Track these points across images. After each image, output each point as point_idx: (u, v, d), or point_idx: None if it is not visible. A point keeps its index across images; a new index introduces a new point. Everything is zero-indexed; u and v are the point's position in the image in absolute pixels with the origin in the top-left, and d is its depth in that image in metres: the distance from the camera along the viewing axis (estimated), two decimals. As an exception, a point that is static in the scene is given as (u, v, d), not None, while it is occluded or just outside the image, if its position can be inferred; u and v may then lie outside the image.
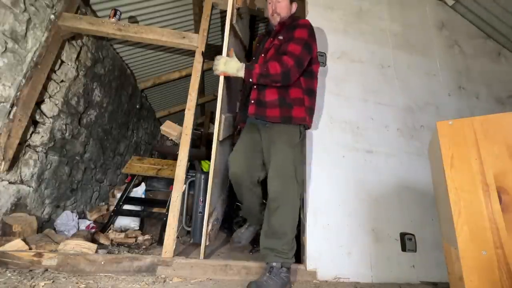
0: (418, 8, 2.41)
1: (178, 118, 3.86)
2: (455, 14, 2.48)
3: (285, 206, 1.40)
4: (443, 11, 2.46)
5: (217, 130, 1.57)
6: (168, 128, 3.03)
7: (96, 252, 1.62)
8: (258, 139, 1.61)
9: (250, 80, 1.47)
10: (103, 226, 2.46)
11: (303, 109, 1.52)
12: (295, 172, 1.45)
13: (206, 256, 1.54)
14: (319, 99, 1.94)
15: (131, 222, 2.64)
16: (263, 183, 1.60)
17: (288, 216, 1.41)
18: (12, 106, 1.70)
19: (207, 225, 1.60)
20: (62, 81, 2.20)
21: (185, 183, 1.81)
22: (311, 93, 1.60)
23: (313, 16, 2.14)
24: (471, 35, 2.47)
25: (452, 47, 2.37)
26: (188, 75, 3.80)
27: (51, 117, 2.09)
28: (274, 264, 1.36)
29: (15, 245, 1.48)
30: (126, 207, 2.65)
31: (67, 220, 2.16)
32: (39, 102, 1.96)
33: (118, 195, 2.83)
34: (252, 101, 1.56)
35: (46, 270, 1.34)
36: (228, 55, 1.50)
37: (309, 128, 1.63)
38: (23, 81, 1.76)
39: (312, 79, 1.62)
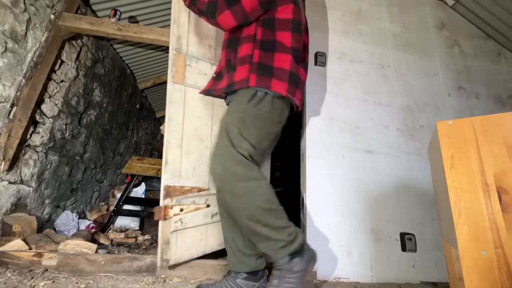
0: (418, 8, 2.41)
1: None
2: (455, 14, 2.48)
3: (233, 191, 1.08)
4: (443, 11, 2.46)
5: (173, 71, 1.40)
6: (168, 128, 3.03)
7: (96, 252, 1.62)
8: None
9: (185, 3, 1.38)
10: (103, 226, 2.46)
11: (247, 68, 1.17)
12: (238, 134, 1.11)
13: (206, 256, 1.53)
14: (319, 99, 1.94)
15: (131, 222, 2.64)
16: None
17: (246, 202, 1.07)
18: (12, 106, 1.70)
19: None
20: (62, 81, 2.20)
21: (185, 183, 1.81)
22: (271, 47, 1.19)
23: (312, 16, 2.14)
24: (471, 35, 2.47)
25: (452, 47, 2.37)
26: (188, 75, 3.80)
27: (51, 117, 2.10)
28: (280, 261, 1.09)
29: (15, 245, 1.48)
30: (126, 207, 2.65)
31: (67, 220, 2.16)
32: (39, 102, 1.96)
33: (118, 195, 2.83)
34: (214, 74, 1.36)
35: (46, 270, 1.34)
36: None
37: (278, 94, 1.17)
38: (23, 81, 1.76)
39: (274, 31, 1.21)
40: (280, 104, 1.20)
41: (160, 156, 4.28)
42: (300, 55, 1.30)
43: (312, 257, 1.16)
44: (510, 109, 2.22)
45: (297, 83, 1.24)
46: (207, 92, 1.37)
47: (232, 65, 1.24)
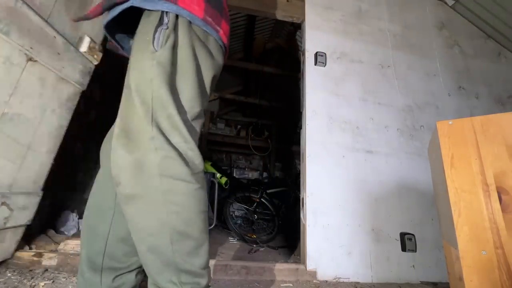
0: (418, 8, 2.41)
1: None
2: (455, 14, 2.48)
3: (141, 198, 0.67)
4: (443, 11, 2.46)
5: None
6: (168, 128, 3.03)
7: (96, 252, 1.62)
8: None
9: None
10: (103, 226, 2.45)
11: None
12: (150, 126, 0.67)
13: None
14: (319, 99, 1.94)
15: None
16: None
17: (148, 212, 0.67)
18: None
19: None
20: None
21: (185, 183, 1.81)
22: None
23: (312, 16, 2.15)
24: (471, 35, 2.47)
25: (452, 47, 2.37)
26: (188, 75, 3.80)
27: (51, 117, 2.09)
28: None
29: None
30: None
31: (67, 220, 2.16)
32: (39, 102, 1.95)
33: (118, 195, 2.83)
34: None
35: (46, 270, 1.34)
36: None
37: (186, 12, 0.74)
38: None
39: None
40: (211, 46, 0.80)
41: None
42: None
43: None
44: (510, 109, 2.22)
45: (220, 8, 0.85)
46: (84, 17, 0.83)
47: None
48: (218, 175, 3.36)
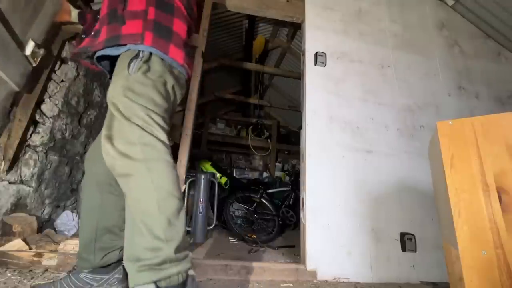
0: (418, 8, 2.41)
1: (178, 118, 3.87)
2: (455, 14, 2.48)
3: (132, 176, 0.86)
4: (443, 11, 2.46)
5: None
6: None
7: (96, 252, 1.62)
8: None
9: None
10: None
11: (140, 23, 1.02)
12: (128, 122, 0.89)
13: (206, 256, 1.54)
14: (319, 99, 1.94)
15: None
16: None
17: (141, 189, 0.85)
18: (12, 106, 1.70)
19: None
20: (62, 81, 2.19)
21: (185, 183, 1.81)
22: (170, 9, 1.10)
23: (312, 16, 2.15)
24: (471, 35, 2.47)
25: (452, 47, 2.37)
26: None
27: (51, 117, 2.09)
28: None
29: (15, 245, 1.48)
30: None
31: (67, 220, 2.16)
32: (39, 102, 1.96)
33: (118, 195, 2.83)
34: (93, 32, 1.11)
35: (46, 270, 1.34)
36: None
37: (165, 54, 1.02)
38: (23, 81, 1.76)
39: None
40: (171, 72, 1.05)
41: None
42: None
43: None
44: (510, 109, 2.22)
45: (190, 54, 1.16)
46: (82, 49, 1.09)
47: (119, 16, 1.03)
48: (218, 175, 3.36)
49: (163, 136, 0.93)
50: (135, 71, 0.95)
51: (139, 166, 0.85)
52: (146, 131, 0.89)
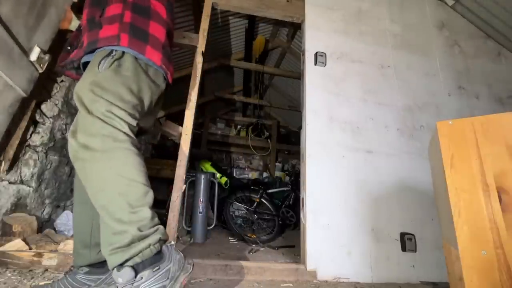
0: (418, 8, 2.41)
1: (178, 118, 3.87)
2: (455, 14, 2.48)
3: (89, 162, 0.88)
4: (443, 11, 2.46)
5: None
6: (168, 128, 3.03)
7: (96, 252, 1.62)
8: None
9: None
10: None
11: (116, 26, 1.05)
12: (90, 115, 0.90)
13: (206, 256, 1.54)
14: (319, 99, 1.94)
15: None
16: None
17: (102, 172, 0.88)
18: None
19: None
20: (62, 81, 2.20)
21: (185, 183, 1.81)
22: (146, 13, 1.14)
23: (312, 16, 2.15)
24: (471, 35, 2.47)
25: (452, 47, 2.37)
26: (188, 75, 3.81)
27: (51, 117, 2.09)
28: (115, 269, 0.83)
29: (15, 245, 1.48)
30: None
31: (67, 220, 2.15)
32: (39, 102, 1.96)
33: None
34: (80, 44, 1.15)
35: (46, 270, 1.34)
36: None
37: (140, 54, 1.05)
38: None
39: None
40: (145, 71, 1.07)
41: (159, 156, 4.28)
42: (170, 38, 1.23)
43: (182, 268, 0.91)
44: (510, 109, 2.22)
45: (170, 58, 1.17)
46: (68, 62, 1.16)
47: (97, 22, 1.07)
48: (218, 175, 3.36)
49: (126, 128, 0.94)
50: (105, 68, 0.97)
51: (98, 156, 0.87)
52: (107, 123, 0.90)
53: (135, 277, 0.81)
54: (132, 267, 0.82)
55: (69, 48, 1.29)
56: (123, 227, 0.84)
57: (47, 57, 1.52)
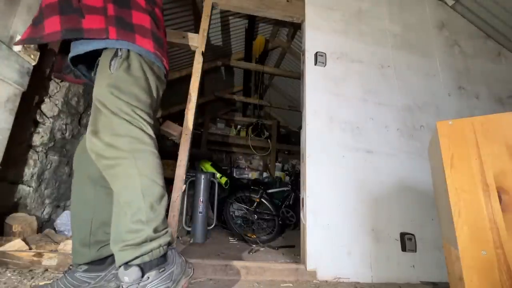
0: (418, 8, 2.41)
1: (178, 118, 3.87)
2: (455, 14, 2.48)
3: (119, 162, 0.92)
4: (443, 11, 2.46)
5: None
6: (168, 128, 3.03)
7: (96, 252, 1.62)
8: None
9: None
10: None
11: (102, 19, 1.04)
12: (116, 117, 0.95)
13: (206, 256, 1.54)
14: (319, 99, 1.94)
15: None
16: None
17: (126, 175, 0.91)
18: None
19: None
20: (62, 81, 2.20)
21: (185, 183, 1.81)
22: (126, 3, 1.13)
23: (312, 16, 2.15)
24: (471, 35, 2.47)
25: (452, 47, 2.37)
26: (188, 75, 3.81)
27: (51, 117, 2.09)
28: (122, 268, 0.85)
29: (15, 245, 1.48)
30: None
31: (67, 220, 2.15)
32: (39, 102, 1.96)
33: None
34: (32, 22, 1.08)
35: (46, 270, 1.34)
36: None
37: (144, 50, 1.08)
38: (23, 81, 1.76)
39: None
40: (148, 65, 1.09)
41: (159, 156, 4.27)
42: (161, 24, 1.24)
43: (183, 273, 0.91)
44: (510, 109, 2.22)
45: (162, 45, 1.17)
46: (28, 41, 1.06)
47: (76, 8, 1.02)
48: (218, 175, 3.36)
49: (150, 131, 1.00)
50: (116, 69, 1.00)
51: (126, 155, 0.91)
52: (134, 125, 0.95)
53: (142, 276, 0.82)
54: (140, 266, 0.83)
55: (32, 20, 1.24)
56: (140, 226, 0.86)
57: (32, 46, 1.43)
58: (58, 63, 1.32)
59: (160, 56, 1.14)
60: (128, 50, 1.04)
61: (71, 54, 1.09)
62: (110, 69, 1.00)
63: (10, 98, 1.38)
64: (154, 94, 1.11)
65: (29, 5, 1.42)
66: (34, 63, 1.48)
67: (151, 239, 0.86)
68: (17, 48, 1.36)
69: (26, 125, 1.82)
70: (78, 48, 1.06)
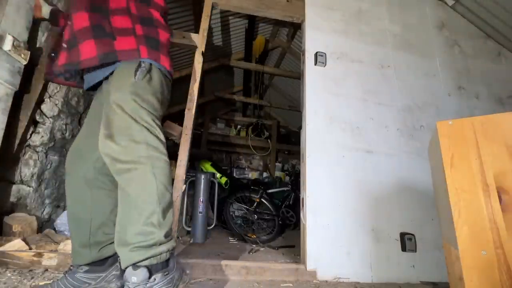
0: (418, 8, 2.41)
1: (178, 118, 3.87)
2: (455, 14, 2.48)
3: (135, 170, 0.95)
4: (443, 11, 2.46)
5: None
6: (168, 128, 3.03)
7: (96, 252, 1.62)
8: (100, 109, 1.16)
9: None
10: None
11: (133, 39, 1.11)
12: (136, 123, 0.99)
13: (206, 256, 1.54)
14: (319, 99, 1.94)
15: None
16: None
17: (143, 183, 0.95)
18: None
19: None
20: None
21: (185, 183, 1.81)
22: (151, 23, 1.21)
23: (312, 16, 2.15)
24: (471, 35, 2.47)
25: (452, 47, 2.37)
26: (188, 75, 3.81)
27: (51, 117, 2.09)
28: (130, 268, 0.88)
29: (15, 245, 1.48)
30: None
31: (67, 220, 2.15)
32: (39, 102, 1.96)
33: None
34: (65, 45, 1.12)
35: (46, 270, 1.34)
36: None
37: (157, 63, 1.15)
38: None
39: (148, 7, 1.24)
40: (165, 80, 1.20)
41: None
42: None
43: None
44: (510, 109, 2.22)
45: (171, 59, 1.31)
46: (67, 67, 1.09)
47: (108, 32, 1.09)
48: (218, 175, 3.36)
49: (164, 139, 1.05)
50: (140, 79, 1.06)
51: (143, 160, 0.95)
52: (151, 133, 1.01)
53: (149, 278, 0.86)
54: (148, 268, 0.87)
55: (52, 54, 1.28)
56: (152, 228, 0.90)
57: (22, 44, 1.41)
58: (47, 66, 1.32)
59: (172, 72, 1.26)
60: (151, 64, 1.12)
61: (89, 84, 1.23)
62: (135, 78, 1.05)
63: (2, 97, 1.36)
64: (165, 104, 1.21)
65: (17, 4, 1.40)
66: (25, 63, 1.47)
67: (161, 243, 0.90)
68: (7, 47, 1.34)
69: (26, 125, 1.82)
70: (98, 75, 1.18)
